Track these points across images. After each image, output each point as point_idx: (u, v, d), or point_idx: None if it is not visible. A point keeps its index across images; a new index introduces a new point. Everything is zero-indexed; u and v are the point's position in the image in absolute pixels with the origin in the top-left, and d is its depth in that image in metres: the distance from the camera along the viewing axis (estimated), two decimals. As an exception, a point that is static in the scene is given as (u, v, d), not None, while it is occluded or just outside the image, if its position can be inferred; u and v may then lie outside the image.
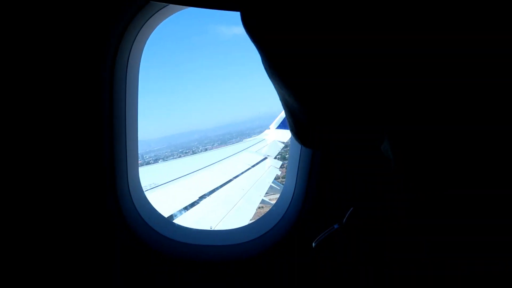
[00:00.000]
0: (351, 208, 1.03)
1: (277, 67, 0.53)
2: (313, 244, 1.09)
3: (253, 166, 13.29)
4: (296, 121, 0.67)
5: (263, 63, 0.57)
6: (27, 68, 1.44)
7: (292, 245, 1.73)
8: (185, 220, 7.34)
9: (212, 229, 6.78)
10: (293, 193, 1.82)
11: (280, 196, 1.99)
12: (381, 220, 0.94)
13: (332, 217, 1.14)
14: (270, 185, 11.86)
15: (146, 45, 1.69)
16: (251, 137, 21.26)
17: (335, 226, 1.08)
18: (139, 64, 1.75)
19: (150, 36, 1.70)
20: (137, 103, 1.79)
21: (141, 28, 1.59)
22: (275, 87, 0.62)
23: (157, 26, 1.68)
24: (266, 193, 11.51)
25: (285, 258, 1.74)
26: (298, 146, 1.78)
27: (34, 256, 1.63)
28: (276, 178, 13.28)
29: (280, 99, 0.65)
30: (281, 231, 1.78)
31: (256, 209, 9.54)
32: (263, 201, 10.64)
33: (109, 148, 1.60)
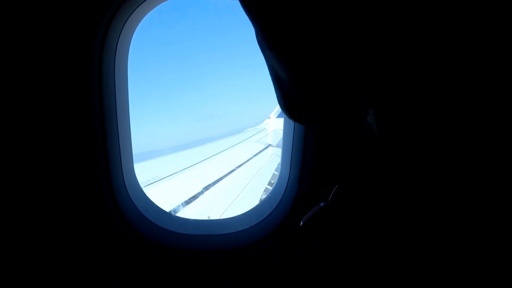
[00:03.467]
0: (336, 186, 1.03)
1: (269, 39, 0.58)
2: (301, 223, 1.10)
3: (255, 155, 13.32)
4: (285, 94, 0.70)
5: (257, 38, 0.62)
6: (15, 67, 1.43)
7: (289, 231, 1.77)
8: (190, 211, 7.39)
9: (210, 218, 6.85)
10: (288, 180, 1.85)
11: (275, 183, 2.03)
12: (366, 197, 0.94)
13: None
14: (273, 173, 11.90)
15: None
16: (252, 127, 21.23)
17: (321, 204, 1.09)
18: (127, 57, 1.74)
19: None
20: (127, 96, 1.79)
21: (127, 19, 1.59)
22: (266, 62, 0.66)
23: (143, 17, 1.68)
24: (269, 182, 11.57)
25: (283, 244, 1.77)
26: (291, 134, 1.81)
27: (32, 255, 1.64)
28: (279, 166, 13.31)
29: (270, 74, 0.70)
30: (278, 218, 1.81)
31: (260, 198, 9.61)
32: (266, 190, 10.69)
33: (101, 143, 1.60)
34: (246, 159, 12.47)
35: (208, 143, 16.82)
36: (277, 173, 12.31)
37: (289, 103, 0.72)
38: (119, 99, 1.68)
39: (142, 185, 1.96)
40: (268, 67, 0.68)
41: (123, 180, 1.79)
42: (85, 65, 1.47)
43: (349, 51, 0.51)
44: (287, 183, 1.86)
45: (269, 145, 15.33)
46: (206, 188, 9.05)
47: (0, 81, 1.44)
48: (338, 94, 0.62)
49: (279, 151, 14.78)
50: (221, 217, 7.11)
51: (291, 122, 1.79)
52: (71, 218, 1.63)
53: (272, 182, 12.92)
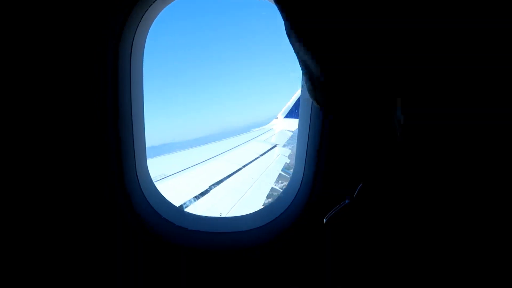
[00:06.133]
0: (361, 184, 1.03)
1: (299, 31, 0.65)
2: (324, 220, 1.09)
3: (262, 155, 13.32)
4: (313, 82, 0.76)
5: (287, 32, 0.70)
6: (29, 63, 1.47)
7: (302, 230, 1.73)
8: (196, 209, 7.44)
9: (222, 216, 6.85)
10: (302, 178, 1.81)
11: (289, 182, 1.99)
12: (391, 196, 0.93)
13: (342, 201, 1.14)
14: (280, 173, 11.89)
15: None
16: (259, 127, 21.25)
17: (346, 201, 1.07)
18: (143, 53, 1.75)
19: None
20: (142, 93, 1.79)
21: (144, 14, 1.60)
22: (296, 53, 0.74)
23: (159, 12, 1.69)
24: (276, 181, 11.56)
25: (295, 243, 1.74)
26: (306, 131, 1.76)
27: (47, 248, 1.68)
28: (287, 167, 13.30)
29: (300, 65, 0.77)
30: (291, 217, 1.78)
31: (266, 197, 9.61)
32: (272, 189, 10.69)
33: (115, 139, 1.61)
34: (253, 159, 12.49)
35: (218, 140, 16.86)
36: (283, 173, 12.31)
37: (317, 92, 0.77)
38: (134, 95, 1.69)
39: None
40: (298, 59, 0.75)
41: (136, 176, 1.80)
42: (100, 62, 1.49)
43: (377, 39, 0.56)
44: (301, 180, 1.82)
45: (276, 145, 15.31)
46: (212, 186, 9.09)
47: (19, 79, 1.49)
48: (364, 83, 0.66)
49: (286, 151, 14.77)
50: (228, 215, 7.13)
51: (307, 118, 1.74)
52: (84, 213, 1.66)
53: (279, 181, 12.90)
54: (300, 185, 1.82)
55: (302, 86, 1.74)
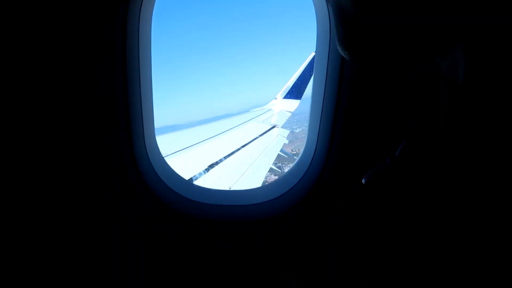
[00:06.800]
0: (404, 141, 0.90)
1: None
2: (363, 181, 0.97)
3: (261, 135, 13.34)
4: (347, 26, 0.70)
5: None
6: (40, 35, 1.45)
7: (314, 204, 1.70)
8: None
9: (231, 189, 6.95)
10: (315, 150, 1.76)
11: (302, 153, 1.92)
12: (437, 155, 0.80)
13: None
14: (278, 154, 11.95)
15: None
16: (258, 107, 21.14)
17: (387, 161, 0.94)
18: (151, 19, 1.70)
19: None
20: (150, 64, 1.74)
21: None
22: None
23: None
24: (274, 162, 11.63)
25: (306, 217, 1.71)
26: (320, 98, 1.68)
27: (66, 216, 1.69)
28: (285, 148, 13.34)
29: (333, 12, 0.72)
30: (302, 191, 1.74)
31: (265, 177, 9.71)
32: (271, 169, 10.78)
33: (124, 108, 1.59)
34: (252, 139, 12.51)
35: (218, 120, 16.78)
36: (282, 154, 12.33)
37: (350, 37, 0.71)
38: (142, 67, 1.66)
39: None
40: (332, 5, 0.71)
41: (145, 148, 1.79)
42: (109, 34, 1.47)
43: None
44: (315, 151, 1.76)
45: (275, 125, 15.30)
46: (211, 166, 9.15)
47: (32, 56, 1.47)
48: (407, 28, 0.59)
49: (285, 132, 14.78)
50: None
51: (322, 81, 1.64)
52: (95, 184, 1.67)
53: (276, 163, 12.97)
54: (313, 158, 1.76)
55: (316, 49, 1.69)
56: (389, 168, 0.92)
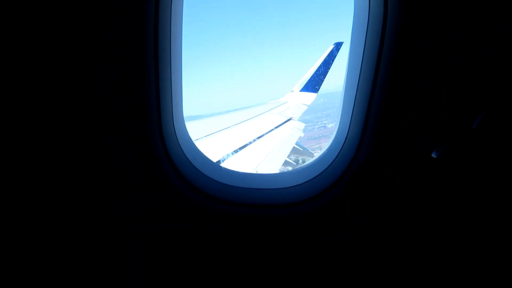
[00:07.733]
0: (484, 112, 0.84)
1: None
2: (434, 155, 0.93)
3: (276, 127, 13.33)
4: None
5: None
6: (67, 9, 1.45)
7: (340, 193, 1.66)
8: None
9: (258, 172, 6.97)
10: (345, 139, 1.71)
11: (332, 141, 1.89)
12: None
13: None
14: (294, 147, 11.92)
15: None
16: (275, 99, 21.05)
17: (458, 136, 0.88)
18: (182, 11, 1.70)
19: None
20: (181, 47, 1.74)
21: None
22: None
23: None
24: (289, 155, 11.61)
25: (332, 206, 1.67)
26: (354, 84, 1.62)
27: (87, 196, 1.69)
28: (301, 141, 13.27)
29: None
30: (329, 178, 1.70)
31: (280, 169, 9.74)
32: (286, 162, 10.77)
33: (155, 87, 1.58)
34: (267, 131, 12.52)
35: (234, 111, 16.82)
36: (297, 147, 12.29)
37: None
38: (173, 51, 1.65)
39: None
40: None
41: (174, 128, 1.80)
42: (142, 20, 1.47)
43: None
44: (344, 142, 1.71)
45: (291, 118, 15.24)
46: (226, 157, 9.25)
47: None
48: None
49: (300, 125, 14.71)
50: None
51: (358, 60, 1.56)
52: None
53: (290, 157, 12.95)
54: (341, 148, 1.73)
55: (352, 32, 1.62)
56: (465, 141, 0.86)
